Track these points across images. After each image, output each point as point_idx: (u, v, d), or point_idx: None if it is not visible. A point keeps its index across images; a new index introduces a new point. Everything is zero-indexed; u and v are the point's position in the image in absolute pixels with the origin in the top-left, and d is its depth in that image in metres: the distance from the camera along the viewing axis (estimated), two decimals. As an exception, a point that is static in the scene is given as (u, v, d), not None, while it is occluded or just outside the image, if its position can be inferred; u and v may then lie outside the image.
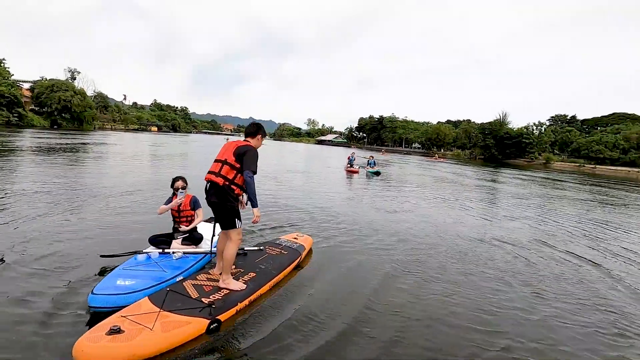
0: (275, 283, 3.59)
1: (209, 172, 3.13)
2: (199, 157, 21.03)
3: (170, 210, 4.08)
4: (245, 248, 4.13)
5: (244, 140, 3.27)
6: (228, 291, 3.11)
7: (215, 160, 3.15)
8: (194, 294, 2.98)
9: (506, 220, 7.93)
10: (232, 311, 2.90)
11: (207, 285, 3.20)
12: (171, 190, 4.16)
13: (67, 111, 51.98)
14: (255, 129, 3.28)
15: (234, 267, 3.49)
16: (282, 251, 4.25)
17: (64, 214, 5.62)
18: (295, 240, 4.70)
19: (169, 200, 4.11)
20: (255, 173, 3.03)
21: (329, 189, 11.22)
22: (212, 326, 2.61)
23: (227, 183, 3.04)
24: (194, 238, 4.08)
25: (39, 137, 25.91)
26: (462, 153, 74.06)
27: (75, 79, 64.01)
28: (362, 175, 16.50)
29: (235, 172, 3.07)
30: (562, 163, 59.24)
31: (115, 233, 4.88)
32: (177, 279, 3.28)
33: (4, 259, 3.68)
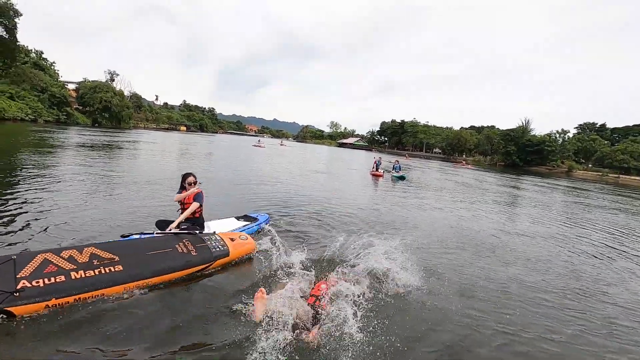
0: (137, 287, 2.94)
1: None
2: (223, 156, 21.84)
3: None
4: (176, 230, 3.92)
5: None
6: (64, 279, 2.65)
7: None
8: (26, 271, 2.58)
9: (529, 225, 8.87)
10: (39, 306, 2.47)
11: (56, 264, 2.73)
12: (179, 184, 4.54)
13: (107, 111, 55.73)
14: None
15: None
16: (193, 251, 3.55)
17: (102, 197, 6.64)
18: (228, 241, 3.94)
19: (180, 192, 4.48)
20: None
21: (352, 191, 11.96)
22: None
23: None
24: (193, 226, 4.24)
25: (84, 134, 28.14)
26: (483, 159, 73.57)
27: (114, 80, 68.18)
28: (387, 179, 17.04)
29: None
30: (585, 172, 57.92)
31: (144, 213, 5.83)
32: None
33: (47, 229, 4.47)
